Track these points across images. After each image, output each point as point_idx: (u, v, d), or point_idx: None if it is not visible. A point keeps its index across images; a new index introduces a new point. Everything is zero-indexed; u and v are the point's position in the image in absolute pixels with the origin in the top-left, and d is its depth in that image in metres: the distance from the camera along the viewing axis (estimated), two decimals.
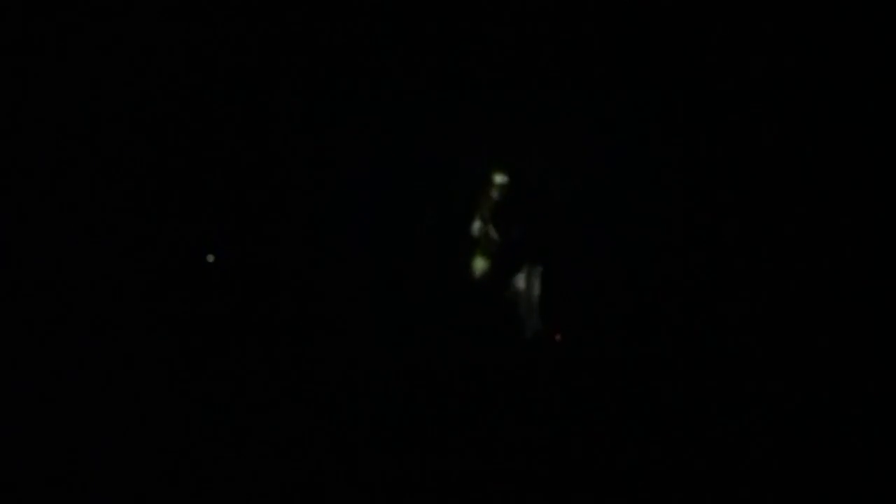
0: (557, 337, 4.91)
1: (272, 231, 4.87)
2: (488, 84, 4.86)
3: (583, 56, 4.81)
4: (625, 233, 4.90)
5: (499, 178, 4.95)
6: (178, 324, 4.68)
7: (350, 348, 4.79)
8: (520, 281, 4.99)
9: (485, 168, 4.98)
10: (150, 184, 4.73)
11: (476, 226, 4.96)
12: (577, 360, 4.81)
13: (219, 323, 4.73)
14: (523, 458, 4.32)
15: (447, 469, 4.26)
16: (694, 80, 4.81)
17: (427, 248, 4.99)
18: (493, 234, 4.98)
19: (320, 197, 4.92)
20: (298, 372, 4.69)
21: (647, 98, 4.83)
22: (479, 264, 4.96)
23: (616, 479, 4.21)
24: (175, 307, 4.71)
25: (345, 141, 4.93)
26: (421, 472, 4.25)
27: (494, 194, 4.96)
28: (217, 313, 4.74)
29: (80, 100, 4.64)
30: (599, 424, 4.47)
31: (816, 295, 4.64)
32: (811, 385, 4.48)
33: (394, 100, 4.88)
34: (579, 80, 4.83)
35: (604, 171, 4.90)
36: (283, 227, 4.87)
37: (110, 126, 4.69)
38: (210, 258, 4.76)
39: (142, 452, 4.27)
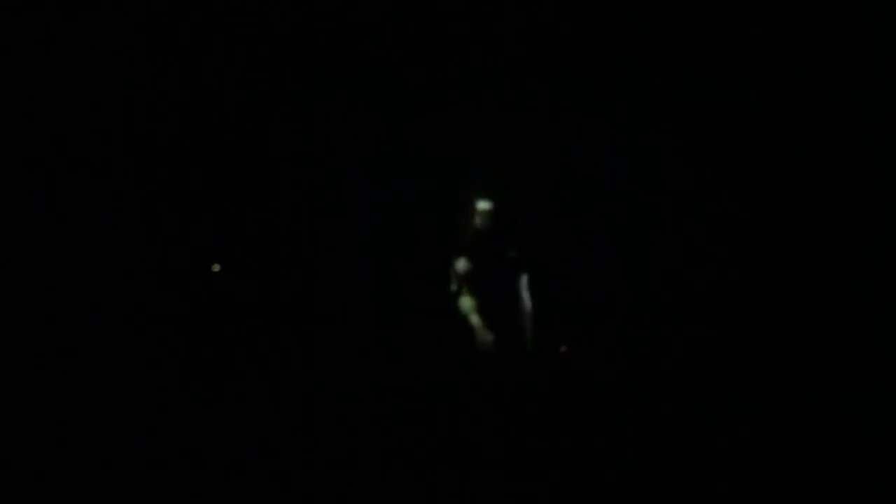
0: (563, 348, 4.88)
1: (275, 240, 4.86)
2: (482, 90, 4.85)
3: (579, 62, 4.81)
4: (626, 240, 4.88)
5: (483, 205, 4.88)
6: (184, 331, 4.69)
7: (350, 359, 4.78)
8: (522, 292, 4.96)
9: (476, 184, 4.95)
10: (151, 191, 4.73)
11: (461, 264, 4.89)
12: (582, 370, 4.79)
13: (223, 331, 4.73)
14: (526, 468, 4.32)
15: (448, 479, 4.26)
16: (693, 86, 4.80)
17: (428, 257, 4.97)
18: (481, 266, 4.90)
19: (322, 206, 4.92)
20: (299, 377, 4.69)
21: (647, 104, 4.82)
22: (468, 303, 4.90)
23: (621, 488, 4.20)
24: (181, 315, 4.71)
25: (345, 149, 4.93)
26: (422, 483, 4.25)
27: (479, 220, 4.89)
28: (222, 321, 4.74)
29: (84, 105, 4.64)
30: (604, 434, 4.46)
31: (820, 300, 4.61)
32: (816, 389, 4.47)
33: (390, 107, 4.88)
34: (575, 85, 4.82)
35: (603, 179, 4.90)
36: (285, 234, 4.87)
37: (113, 133, 4.69)
38: (216, 267, 4.76)
39: (143, 458, 4.29)
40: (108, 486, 4.24)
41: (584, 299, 4.87)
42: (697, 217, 4.76)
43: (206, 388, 4.58)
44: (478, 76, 4.84)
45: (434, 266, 4.94)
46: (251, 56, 4.78)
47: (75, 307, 4.53)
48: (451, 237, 4.90)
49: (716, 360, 4.62)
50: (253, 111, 4.84)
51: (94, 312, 4.55)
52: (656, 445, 4.36)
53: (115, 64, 4.66)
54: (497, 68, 4.83)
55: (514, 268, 4.88)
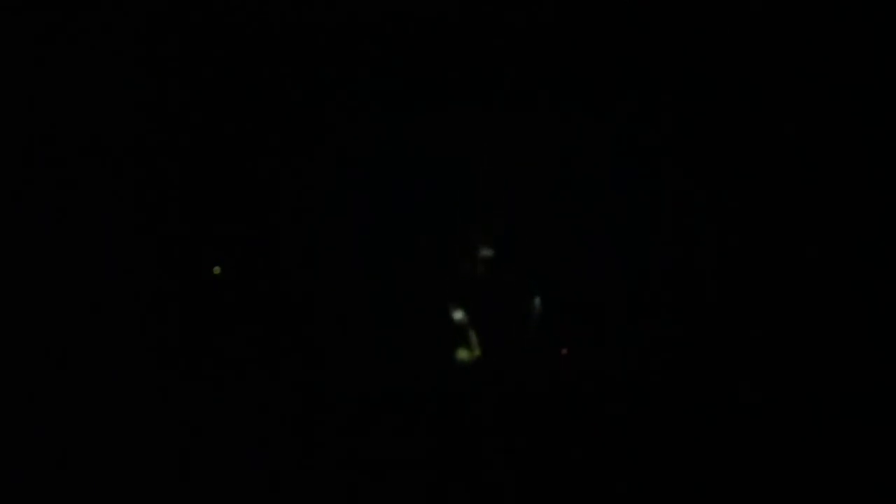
0: (564, 351, 4.86)
1: (275, 243, 4.85)
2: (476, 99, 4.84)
3: (579, 62, 4.80)
4: (628, 241, 4.86)
5: (486, 252, 4.88)
6: (185, 332, 4.68)
7: (349, 364, 4.76)
8: (523, 295, 4.94)
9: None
10: (150, 193, 4.72)
11: (458, 315, 4.89)
12: (585, 374, 4.77)
13: (223, 333, 4.71)
14: (526, 474, 4.32)
15: (448, 486, 4.26)
16: (693, 87, 4.80)
17: (427, 262, 4.95)
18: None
19: (322, 208, 4.91)
20: (300, 380, 4.68)
21: (648, 105, 4.81)
22: (464, 354, 4.88)
23: (622, 490, 4.21)
24: (182, 317, 4.70)
25: (345, 150, 4.92)
26: (421, 489, 4.26)
27: (481, 268, 4.88)
28: (223, 324, 4.73)
29: (84, 105, 4.63)
30: (606, 437, 4.46)
31: (822, 301, 4.61)
32: (818, 391, 4.47)
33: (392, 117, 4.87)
34: (575, 86, 4.81)
35: (603, 179, 4.89)
36: (285, 238, 4.85)
37: (112, 133, 4.68)
38: (216, 270, 4.75)
39: (143, 459, 4.29)
40: (109, 486, 4.25)
41: (585, 301, 4.86)
42: (699, 218, 4.76)
43: (207, 390, 4.58)
44: (478, 76, 4.84)
45: (434, 270, 4.94)
46: (251, 56, 4.77)
47: (75, 309, 4.52)
48: (450, 274, 4.90)
49: (718, 361, 4.62)
50: (252, 111, 4.83)
51: (93, 314, 4.55)
52: (658, 447, 4.36)
53: (115, 64, 4.65)
54: (497, 68, 4.83)
55: (523, 307, 4.87)
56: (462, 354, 4.80)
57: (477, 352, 4.80)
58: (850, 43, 4.64)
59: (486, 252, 4.84)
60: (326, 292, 4.82)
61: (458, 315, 4.87)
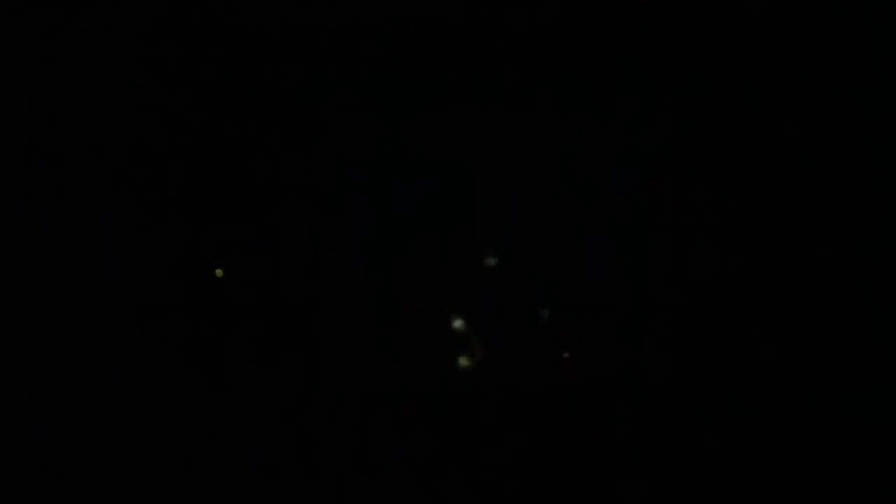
0: (566, 355, 4.85)
1: (276, 245, 4.83)
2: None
3: (579, 62, 4.79)
4: (629, 243, 4.85)
5: (490, 261, 4.87)
6: (187, 335, 4.67)
7: (349, 364, 4.75)
8: (523, 296, 4.93)
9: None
10: (149, 194, 4.71)
11: (458, 323, 4.87)
12: (584, 373, 4.76)
13: (223, 335, 4.70)
14: (526, 475, 4.32)
15: (448, 486, 4.26)
16: (694, 87, 4.79)
17: (427, 262, 4.94)
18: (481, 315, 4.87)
19: (323, 209, 4.90)
20: (300, 381, 4.68)
21: (648, 104, 4.80)
22: (463, 354, 4.87)
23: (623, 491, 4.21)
24: (184, 320, 4.69)
25: (345, 151, 4.92)
26: (421, 489, 4.26)
27: (487, 278, 4.87)
28: (223, 326, 4.72)
29: (85, 105, 4.63)
30: (607, 442, 4.46)
31: (823, 302, 4.61)
32: (819, 392, 4.47)
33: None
34: (575, 85, 4.80)
35: (603, 179, 4.88)
36: (287, 239, 4.84)
37: (114, 134, 4.67)
38: (219, 273, 4.74)
39: (144, 460, 4.29)
40: (109, 486, 4.25)
41: (585, 301, 4.86)
42: (699, 218, 4.76)
43: (207, 390, 4.58)
44: (478, 76, 4.83)
45: (434, 270, 4.93)
46: (251, 56, 4.77)
47: (75, 309, 4.52)
48: (450, 285, 4.89)
49: (718, 362, 4.62)
50: (252, 111, 4.82)
51: (93, 314, 4.54)
52: (658, 448, 4.36)
53: (115, 63, 4.65)
54: (497, 68, 4.83)
55: (523, 307, 4.86)
56: (462, 354, 4.80)
57: (477, 352, 4.80)
58: (850, 43, 4.64)
59: (486, 252, 4.84)
60: (326, 293, 4.82)
61: (458, 315, 4.87)
